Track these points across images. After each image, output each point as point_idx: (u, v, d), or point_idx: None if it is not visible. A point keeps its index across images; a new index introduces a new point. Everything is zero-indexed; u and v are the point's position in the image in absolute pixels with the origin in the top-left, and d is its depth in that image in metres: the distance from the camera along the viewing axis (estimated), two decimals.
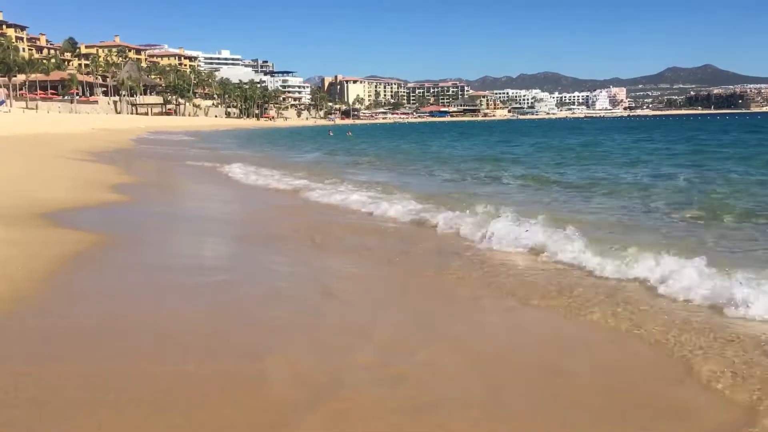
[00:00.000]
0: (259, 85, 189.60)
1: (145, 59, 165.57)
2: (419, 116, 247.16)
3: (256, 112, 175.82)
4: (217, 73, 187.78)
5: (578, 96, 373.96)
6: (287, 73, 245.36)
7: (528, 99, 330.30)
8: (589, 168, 21.80)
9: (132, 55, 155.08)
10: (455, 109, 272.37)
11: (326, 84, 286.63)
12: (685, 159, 25.46)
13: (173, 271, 6.50)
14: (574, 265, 6.91)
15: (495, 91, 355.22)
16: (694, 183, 16.06)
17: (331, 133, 77.64)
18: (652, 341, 4.59)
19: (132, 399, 3.37)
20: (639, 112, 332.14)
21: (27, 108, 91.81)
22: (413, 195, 12.49)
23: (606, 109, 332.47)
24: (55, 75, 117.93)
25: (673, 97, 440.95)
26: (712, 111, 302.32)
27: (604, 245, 7.27)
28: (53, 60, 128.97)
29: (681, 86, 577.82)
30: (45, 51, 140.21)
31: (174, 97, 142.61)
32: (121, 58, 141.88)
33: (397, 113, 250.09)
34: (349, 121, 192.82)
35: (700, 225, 9.81)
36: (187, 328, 4.63)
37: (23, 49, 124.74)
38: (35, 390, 3.40)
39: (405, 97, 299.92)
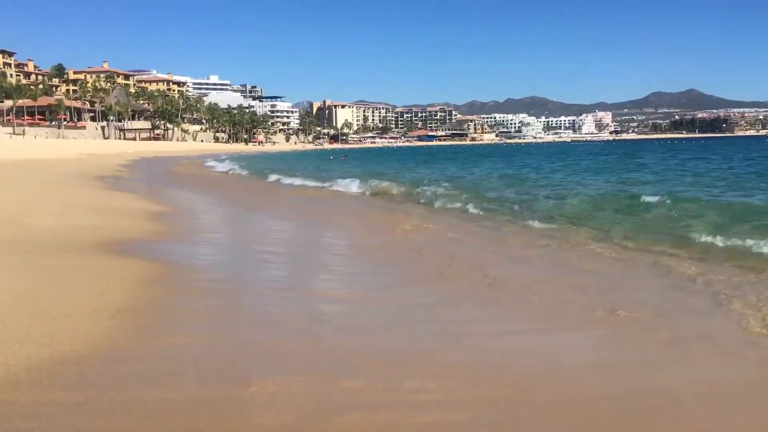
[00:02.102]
0: (247, 110, 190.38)
1: (134, 84, 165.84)
2: (407, 140, 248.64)
3: (245, 136, 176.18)
4: (205, 98, 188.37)
5: (565, 120, 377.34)
6: (276, 98, 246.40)
7: (515, 123, 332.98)
8: None
9: (120, 80, 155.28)
10: (443, 133, 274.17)
11: (315, 109, 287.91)
12: None
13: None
14: None
15: (482, 116, 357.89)
16: None
17: (332, 158, 79.74)
18: None
19: (118, 428, 3.32)
20: (624, 136, 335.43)
21: (14, 134, 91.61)
22: None
23: (592, 133, 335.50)
24: (43, 101, 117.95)
25: (658, 121, 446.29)
26: (697, 135, 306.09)
27: None
28: (41, 86, 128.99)
29: (665, 110, 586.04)
30: (33, 77, 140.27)
31: (162, 122, 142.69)
32: (109, 84, 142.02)
33: (385, 138, 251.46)
34: (337, 146, 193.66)
35: None
36: (176, 353, 4.57)
37: (11, 75, 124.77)
38: (19, 420, 3.34)
39: (393, 122, 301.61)
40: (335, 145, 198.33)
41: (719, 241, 9.83)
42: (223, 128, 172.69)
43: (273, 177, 33.01)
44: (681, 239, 10.47)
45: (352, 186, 25.06)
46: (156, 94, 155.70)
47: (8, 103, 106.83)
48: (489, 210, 15.76)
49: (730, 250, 9.40)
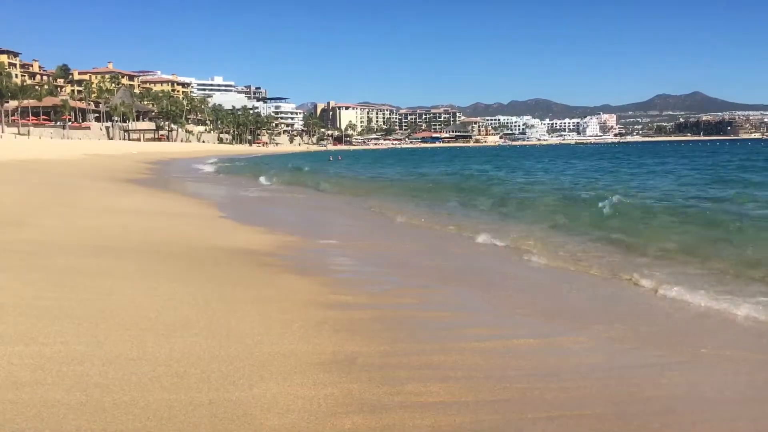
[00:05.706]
0: (251, 111, 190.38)
1: (138, 85, 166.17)
2: (411, 142, 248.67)
3: (249, 138, 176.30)
4: (209, 99, 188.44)
5: (569, 122, 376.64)
6: (280, 99, 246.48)
7: (519, 125, 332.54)
8: None
9: (125, 81, 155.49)
10: (447, 135, 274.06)
11: (319, 110, 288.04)
12: None
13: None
14: None
15: (486, 118, 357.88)
16: None
17: (341, 158, 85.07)
18: None
19: (121, 429, 3.32)
20: (629, 138, 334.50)
21: (19, 134, 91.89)
22: None
23: (596, 136, 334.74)
24: (48, 101, 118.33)
25: (663, 123, 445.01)
26: (702, 137, 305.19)
27: None
28: (46, 86, 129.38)
29: (670, 113, 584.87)
30: (38, 77, 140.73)
31: (166, 123, 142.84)
32: (113, 85, 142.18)
33: (389, 139, 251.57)
34: (342, 147, 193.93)
35: None
36: (180, 355, 4.56)
37: (16, 76, 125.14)
38: (22, 419, 3.33)
39: (397, 123, 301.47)
40: (339, 147, 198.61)
41: None
42: (227, 129, 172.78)
43: None
44: None
45: None
46: (160, 94, 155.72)
47: (13, 103, 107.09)
48: None
49: None
